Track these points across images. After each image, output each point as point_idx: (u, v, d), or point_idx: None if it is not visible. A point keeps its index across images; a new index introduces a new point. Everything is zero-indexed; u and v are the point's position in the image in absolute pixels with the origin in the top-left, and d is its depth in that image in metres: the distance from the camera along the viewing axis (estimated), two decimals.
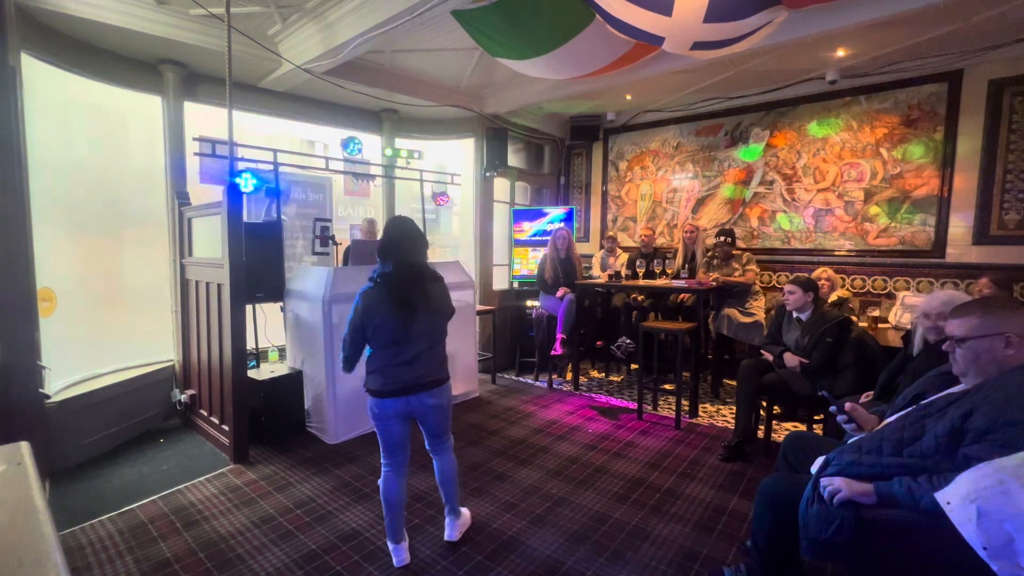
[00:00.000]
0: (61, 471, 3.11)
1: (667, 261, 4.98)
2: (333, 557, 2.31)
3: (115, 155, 3.86)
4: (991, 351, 1.48)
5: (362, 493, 2.88)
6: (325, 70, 3.87)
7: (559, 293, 4.76)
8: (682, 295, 4.69)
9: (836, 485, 1.53)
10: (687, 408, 4.08)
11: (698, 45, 2.84)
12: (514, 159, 5.62)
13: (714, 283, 4.31)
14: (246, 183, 3.53)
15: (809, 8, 2.85)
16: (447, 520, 2.41)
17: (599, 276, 5.19)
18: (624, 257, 5.33)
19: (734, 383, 3.99)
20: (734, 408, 3.75)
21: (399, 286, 2.08)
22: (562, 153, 6.45)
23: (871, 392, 2.55)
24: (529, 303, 5.55)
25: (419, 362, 2.14)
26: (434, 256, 5.97)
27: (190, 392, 3.87)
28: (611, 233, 5.80)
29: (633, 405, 4.26)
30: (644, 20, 2.59)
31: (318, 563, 2.27)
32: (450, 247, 6.48)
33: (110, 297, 3.84)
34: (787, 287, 3.27)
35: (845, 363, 3.05)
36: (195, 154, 3.69)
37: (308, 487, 2.95)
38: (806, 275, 3.52)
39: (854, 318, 3.68)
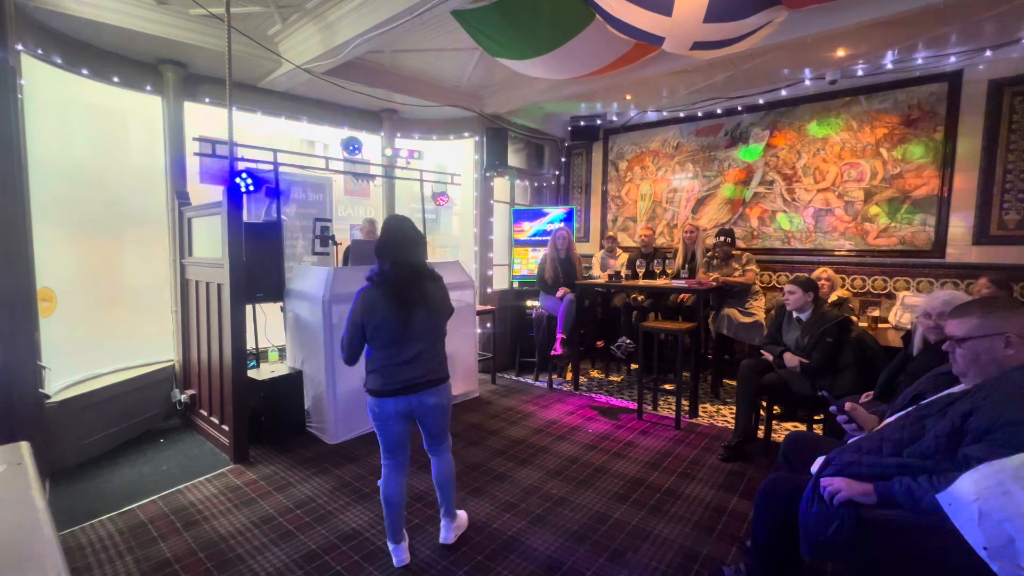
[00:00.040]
0: (61, 471, 3.11)
1: (667, 261, 4.98)
2: (333, 557, 2.31)
3: (115, 155, 3.86)
4: (991, 351, 1.48)
5: (362, 493, 2.88)
6: (325, 70, 3.87)
7: (559, 293, 4.76)
8: (682, 295, 4.69)
9: (836, 485, 1.53)
10: (687, 408, 4.08)
11: (698, 45, 2.84)
12: (514, 159, 5.61)
13: (714, 283, 4.31)
14: (245, 183, 3.53)
15: (809, 8, 2.85)
16: (443, 523, 2.41)
17: (599, 276, 5.19)
18: (624, 257, 5.33)
19: (734, 383, 3.99)
20: (734, 408, 3.75)
21: (397, 285, 2.08)
22: (562, 153, 6.45)
23: (871, 392, 2.54)
24: (529, 303, 5.55)
25: (419, 361, 2.14)
26: (434, 256, 5.98)
27: (190, 392, 3.87)
28: (611, 233, 5.80)
29: (633, 405, 4.26)
30: (644, 20, 2.59)
31: (318, 563, 2.27)
32: (450, 247, 6.48)
33: (110, 297, 3.84)
34: (787, 287, 3.27)
35: (845, 363, 3.05)
36: (195, 154, 3.69)
37: (308, 487, 2.95)
38: (806, 275, 3.52)
39: (854, 318, 3.68)
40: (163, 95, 3.89)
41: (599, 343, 5.25)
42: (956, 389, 1.59)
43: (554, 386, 4.93)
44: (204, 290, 3.58)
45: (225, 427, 3.40)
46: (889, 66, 4.09)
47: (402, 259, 2.11)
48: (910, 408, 1.69)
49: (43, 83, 3.27)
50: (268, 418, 3.55)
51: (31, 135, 3.00)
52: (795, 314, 3.27)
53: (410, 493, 2.74)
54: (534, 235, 5.82)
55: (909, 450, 1.50)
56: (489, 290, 5.66)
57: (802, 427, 3.54)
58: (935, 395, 1.65)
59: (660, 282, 4.48)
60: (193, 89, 4.04)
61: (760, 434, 3.45)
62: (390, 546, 2.26)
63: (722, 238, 4.57)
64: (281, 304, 3.94)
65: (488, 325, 5.33)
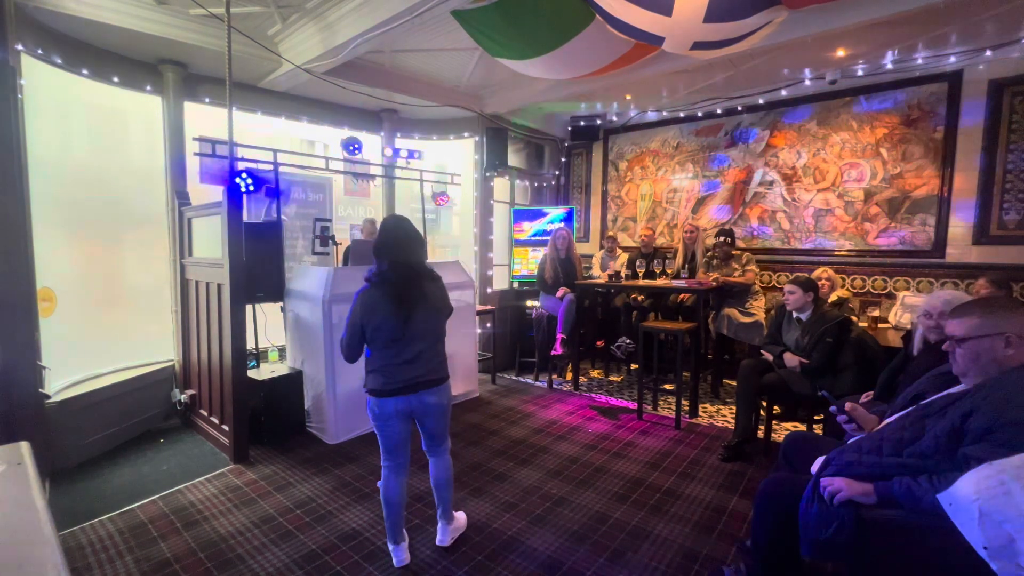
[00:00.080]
0: (61, 471, 3.11)
1: (667, 261, 4.98)
2: (333, 557, 2.31)
3: (115, 155, 3.86)
4: (991, 351, 1.48)
5: (362, 493, 2.88)
6: (325, 70, 3.87)
7: (559, 293, 4.76)
8: (682, 295, 4.69)
9: (836, 485, 1.53)
10: (687, 408, 4.08)
11: (698, 45, 2.84)
12: (514, 159, 5.61)
13: (714, 283, 4.31)
14: (245, 183, 3.53)
15: (809, 8, 2.85)
16: (440, 524, 2.40)
17: (599, 276, 5.19)
18: (624, 257, 5.33)
19: (734, 383, 3.99)
20: (734, 408, 3.75)
21: (396, 285, 2.08)
22: (562, 153, 6.45)
23: (871, 392, 2.54)
24: (529, 303, 5.56)
25: (419, 361, 2.14)
26: (434, 256, 5.98)
27: (190, 392, 3.87)
28: (611, 233, 5.80)
29: (633, 405, 4.26)
30: (644, 20, 2.59)
31: (318, 563, 2.27)
32: (450, 247, 6.48)
33: (110, 297, 3.84)
34: (787, 287, 3.27)
35: (845, 363, 3.05)
36: (195, 154, 3.69)
37: (308, 487, 2.95)
38: (806, 275, 3.52)
39: (854, 318, 3.68)
40: (163, 95, 3.89)
41: (599, 343, 5.25)
42: (956, 389, 1.59)
43: (554, 386, 4.93)
44: (204, 290, 3.58)
45: (225, 427, 3.40)
46: (889, 66, 4.09)
47: (401, 259, 2.11)
48: (910, 408, 1.69)
49: (43, 83, 3.27)
50: (268, 418, 3.55)
51: (31, 135, 3.00)
52: (795, 314, 3.27)
53: (410, 493, 2.74)
54: (534, 235, 5.82)
55: (909, 450, 1.50)
56: (489, 290, 5.66)
57: (802, 427, 3.54)
58: (935, 395, 1.66)
59: (660, 282, 4.48)
60: (193, 89, 4.04)
61: (760, 434, 3.45)
62: (390, 546, 2.26)
63: (722, 238, 4.57)
64: (281, 304, 3.94)
65: (488, 325, 5.33)
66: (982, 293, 2.96)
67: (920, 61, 3.98)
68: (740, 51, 3.13)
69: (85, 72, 3.49)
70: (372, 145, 5.18)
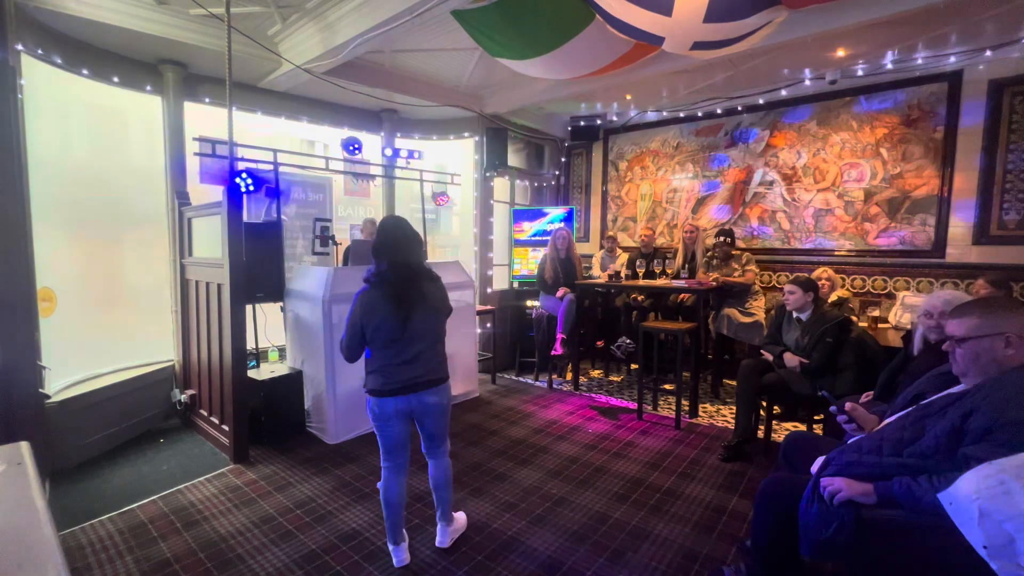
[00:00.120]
0: (61, 471, 3.11)
1: (667, 261, 4.98)
2: (333, 557, 2.31)
3: (115, 155, 3.86)
4: (991, 351, 1.48)
5: (362, 493, 2.88)
6: (325, 70, 3.87)
7: (559, 293, 4.76)
8: (682, 295, 4.69)
9: (836, 485, 1.53)
10: (687, 408, 4.08)
11: (698, 45, 2.84)
12: (514, 159, 5.61)
13: (714, 283, 4.31)
14: (245, 183, 3.53)
15: (809, 8, 2.85)
16: (439, 526, 2.40)
17: (599, 276, 5.19)
18: (624, 257, 5.33)
19: (734, 383, 3.99)
20: (734, 408, 3.75)
21: (396, 285, 2.08)
22: (562, 153, 6.45)
23: (871, 392, 2.54)
24: (529, 303, 5.56)
25: (419, 361, 2.14)
26: (434, 256, 5.99)
27: (190, 392, 3.87)
28: (611, 233, 5.80)
29: (633, 405, 4.26)
30: (644, 20, 2.59)
31: (318, 563, 2.27)
32: (450, 247, 6.48)
33: (110, 297, 3.84)
34: (787, 287, 3.27)
35: (845, 363, 3.05)
36: (195, 154, 3.69)
37: (308, 487, 2.95)
38: (806, 275, 3.52)
39: (854, 318, 3.68)
40: (163, 95, 3.89)
41: (599, 343, 5.25)
42: (956, 389, 1.59)
43: (554, 386, 4.93)
44: (204, 290, 3.58)
45: (225, 427, 3.40)
46: (889, 66, 4.09)
47: (400, 259, 2.11)
48: (910, 408, 1.69)
49: (43, 83, 3.27)
50: (268, 418, 3.55)
51: (31, 135, 3.00)
52: (795, 314, 3.27)
53: (410, 493, 2.74)
54: (534, 235, 5.82)
55: (909, 450, 1.50)
56: (489, 290, 5.66)
57: (802, 427, 3.54)
58: (935, 395, 1.66)
59: (660, 282, 4.48)
60: (193, 89, 4.04)
61: (760, 434, 3.45)
62: (390, 547, 2.26)
63: (722, 238, 4.57)
64: (281, 304, 3.94)
65: (488, 325, 5.33)
66: (981, 293, 2.96)
67: (920, 61, 3.98)
68: (740, 51, 3.13)
69: (85, 72, 3.49)
70: (372, 145, 5.18)
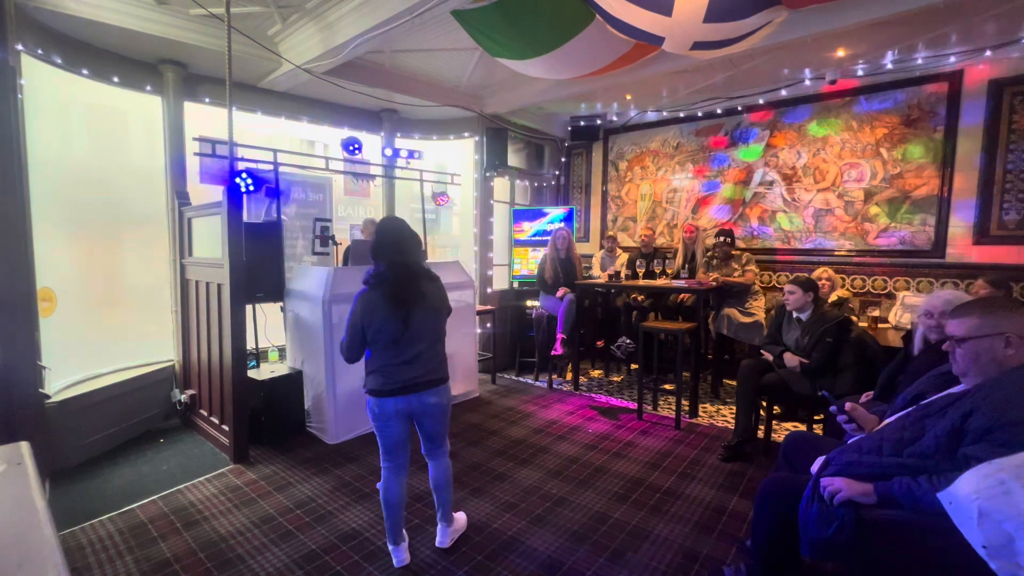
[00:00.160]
0: (61, 471, 3.11)
1: (667, 261, 4.98)
2: (333, 557, 2.31)
3: (115, 155, 3.86)
4: (991, 351, 1.48)
5: (362, 493, 2.88)
6: (325, 70, 3.87)
7: (559, 293, 4.76)
8: (682, 295, 4.69)
9: (836, 485, 1.53)
10: (687, 408, 4.08)
11: (698, 45, 2.84)
12: (514, 159, 5.61)
13: (714, 283, 4.31)
14: (245, 183, 3.53)
15: (809, 8, 2.85)
16: (439, 527, 2.40)
17: (599, 276, 5.19)
18: (624, 257, 5.33)
19: (734, 383, 3.99)
20: (734, 408, 3.75)
21: (395, 285, 2.08)
22: (562, 153, 6.45)
23: (871, 392, 2.54)
24: (529, 303, 5.56)
25: (419, 361, 2.14)
26: (434, 256, 5.98)
27: (190, 392, 3.87)
28: (611, 233, 5.80)
29: (633, 405, 4.26)
30: (644, 20, 2.59)
31: (318, 563, 2.27)
32: (450, 247, 6.48)
33: (110, 297, 3.84)
34: (787, 287, 3.27)
35: (845, 363, 3.05)
36: (195, 154, 3.69)
37: (308, 487, 2.95)
38: (806, 275, 3.52)
39: (854, 318, 3.68)
40: (163, 95, 3.89)
41: (599, 343, 5.25)
42: (956, 389, 1.59)
43: (554, 386, 4.93)
44: (204, 290, 3.58)
45: (225, 427, 3.40)
46: (889, 66, 4.09)
47: (398, 260, 2.11)
48: (910, 408, 1.69)
49: (43, 83, 3.27)
50: (268, 418, 3.55)
51: (31, 135, 3.00)
52: (795, 314, 3.27)
53: (410, 493, 2.74)
54: (534, 235, 5.82)
55: (909, 450, 1.50)
56: (489, 290, 5.66)
57: (802, 427, 3.54)
58: (935, 395, 1.66)
59: (660, 282, 4.48)
60: (193, 89, 4.04)
61: (760, 434, 3.45)
62: (390, 547, 2.26)
63: (722, 238, 4.57)
64: (281, 304, 3.94)
65: (488, 325, 5.33)
66: (981, 293, 2.96)
67: (920, 61, 3.98)
68: (740, 51, 3.13)
69: (85, 72, 3.49)
70: (372, 145, 5.18)
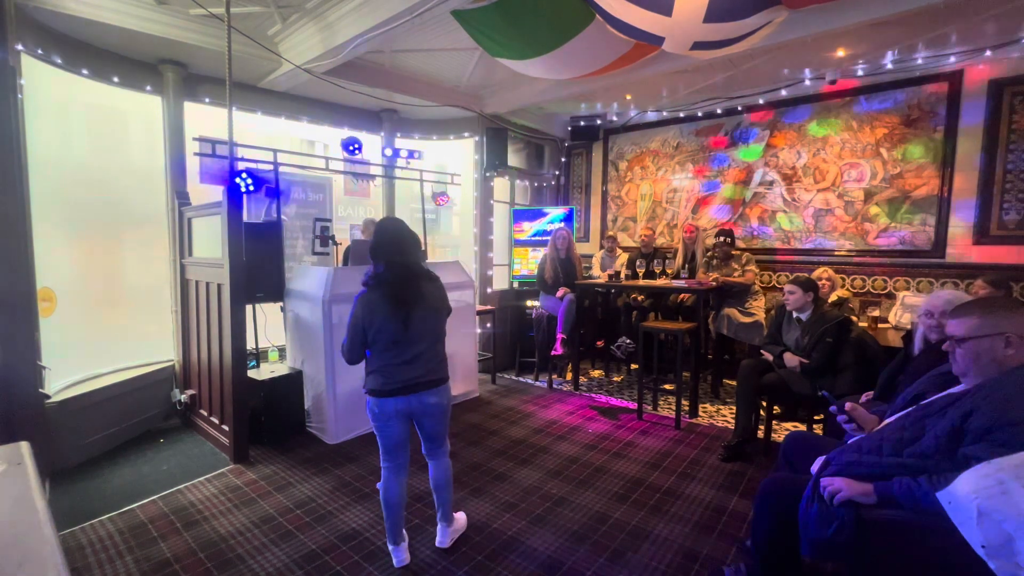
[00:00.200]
0: (61, 471, 3.11)
1: (667, 261, 4.98)
2: (333, 557, 2.31)
3: (115, 155, 3.86)
4: (991, 351, 1.48)
5: (362, 493, 2.88)
6: (325, 70, 3.87)
7: (559, 293, 4.76)
8: (682, 295, 4.69)
9: (836, 485, 1.53)
10: (687, 408, 4.08)
11: (698, 45, 2.84)
12: (514, 159, 5.61)
13: (714, 283, 4.31)
14: (245, 183, 3.53)
15: (809, 8, 2.85)
16: (439, 527, 2.40)
17: (599, 276, 5.20)
18: (624, 257, 5.33)
19: (734, 383, 3.99)
20: (734, 408, 3.75)
21: (394, 286, 2.08)
22: (562, 153, 6.45)
23: (871, 392, 2.54)
24: (529, 303, 5.56)
25: (419, 361, 2.14)
26: (434, 256, 5.98)
27: (190, 392, 3.87)
28: (611, 233, 5.80)
29: (633, 405, 4.26)
30: (644, 20, 2.59)
31: (318, 563, 2.27)
32: (450, 247, 6.48)
33: (110, 297, 3.84)
34: (787, 287, 3.27)
35: (845, 363, 3.05)
36: (195, 154, 3.69)
37: (308, 487, 2.95)
38: (806, 275, 3.52)
39: (854, 318, 3.68)
40: (163, 95, 3.89)
41: (599, 343, 5.25)
42: (956, 389, 1.59)
43: (554, 386, 4.93)
44: (204, 290, 3.58)
45: (225, 427, 3.40)
46: (889, 66, 4.09)
47: (398, 260, 2.12)
48: (910, 408, 1.69)
49: (43, 83, 3.27)
50: (268, 418, 3.55)
51: (31, 135, 3.00)
52: (795, 314, 3.27)
53: (410, 493, 2.74)
54: (534, 235, 5.82)
55: (909, 450, 1.50)
56: (489, 290, 5.66)
57: (802, 427, 3.54)
58: (935, 395, 1.66)
59: (660, 282, 4.48)
60: (193, 89, 4.04)
61: (760, 434, 3.45)
62: (390, 547, 2.26)
63: (722, 238, 4.57)
64: (281, 304, 3.94)
65: (488, 325, 5.33)
66: (980, 294, 2.96)
67: (920, 61, 3.98)
68: (740, 51, 3.13)
69: (85, 72, 3.49)
70: (372, 145, 5.19)
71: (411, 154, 4.94)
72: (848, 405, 1.91)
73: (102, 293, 3.78)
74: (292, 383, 3.73)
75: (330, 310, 3.47)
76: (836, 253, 4.65)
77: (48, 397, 3.07)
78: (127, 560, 2.29)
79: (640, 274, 4.75)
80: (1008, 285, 3.44)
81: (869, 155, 4.44)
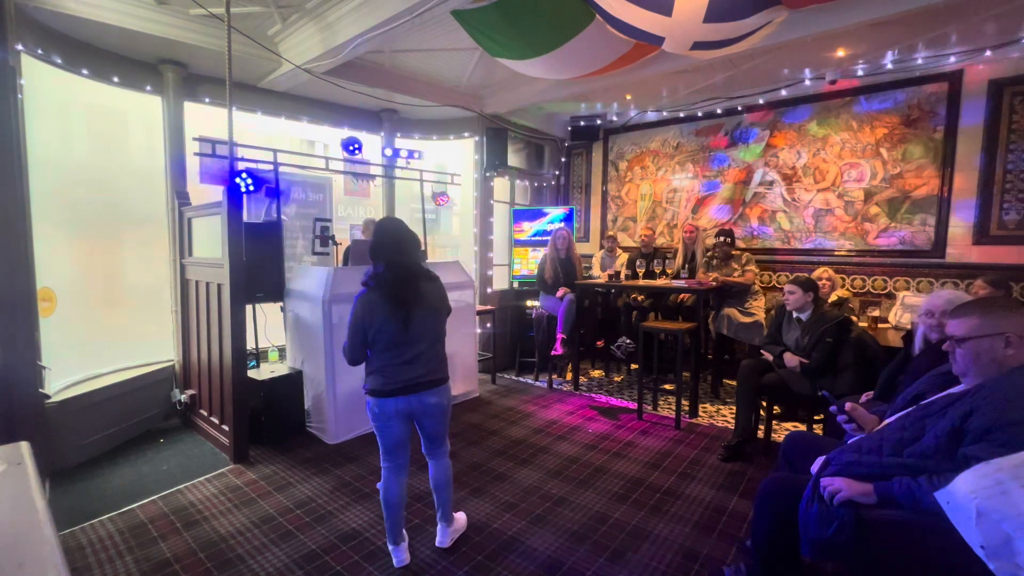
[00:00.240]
0: (61, 471, 3.11)
1: (667, 261, 4.98)
2: (333, 557, 2.31)
3: (115, 155, 3.87)
4: (991, 351, 1.48)
5: (362, 493, 2.88)
6: (325, 70, 3.87)
7: (559, 293, 4.76)
8: (682, 295, 4.69)
9: (836, 485, 1.53)
10: (687, 408, 4.08)
11: (698, 45, 2.84)
12: (514, 159, 5.61)
13: (714, 283, 4.31)
14: (245, 183, 3.53)
15: (809, 8, 2.85)
16: (439, 526, 2.40)
17: (599, 276, 5.20)
18: (624, 257, 5.33)
19: (734, 383, 3.99)
20: (734, 408, 3.75)
21: (394, 286, 2.08)
22: (562, 153, 6.45)
23: (871, 392, 2.54)
24: (529, 303, 5.56)
25: (419, 361, 2.14)
26: (434, 256, 5.98)
27: (190, 392, 3.87)
28: (611, 233, 5.80)
29: (633, 405, 4.26)
30: (644, 20, 2.59)
31: (318, 563, 2.27)
32: (450, 247, 6.48)
33: (110, 297, 3.84)
34: (787, 287, 3.27)
35: (845, 363, 3.05)
36: (195, 154, 3.69)
37: (308, 487, 2.95)
38: (806, 275, 3.52)
39: (854, 318, 3.68)
40: (163, 95, 3.89)
41: (599, 343, 5.25)
42: (956, 389, 1.59)
43: (554, 386, 4.93)
44: (204, 290, 3.58)
45: (225, 427, 3.40)
46: (889, 66, 4.09)
47: (397, 260, 2.12)
48: (910, 408, 1.69)
49: (43, 83, 3.27)
50: (268, 418, 3.55)
51: (31, 135, 3.00)
52: (795, 314, 3.27)
53: (410, 493, 2.74)
54: (534, 235, 5.82)
55: (909, 450, 1.50)
56: (489, 290, 5.66)
57: (802, 427, 3.54)
58: (935, 395, 1.66)
59: (660, 282, 4.48)
60: (193, 89, 4.04)
61: (760, 434, 3.45)
62: (390, 547, 2.26)
63: (722, 238, 4.57)
64: (281, 304, 3.94)
65: (488, 325, 5.33)
66: (980, 294, 2.96)
67: (920, 61, 3.98)
68: (740, 51, 3.13)
69: (85, 72, 3.49)
70: (372, 145, 5.19)
71: (411, 154, 4.94)
72: (848, 405, 1.91)
73: (102, 293, 3.78)
74: (292, 383, 3.73)
75: (330, 310, 3.47)
76: (836, 253, 4.65)
77: (48, 397, 3.07)
78: (127, 560, 2.29)
79: (640, 274, 4.75)
80: (1008, 285, 3.44)
81: (869, 155, 4.44)
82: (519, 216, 5.88)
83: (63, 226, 3.47)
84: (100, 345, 3.73)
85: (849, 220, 4.58)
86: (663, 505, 2.74)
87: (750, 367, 3.34)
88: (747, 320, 4.35)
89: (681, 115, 5.47)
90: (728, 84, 4.64)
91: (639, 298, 4.96)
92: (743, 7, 2.47)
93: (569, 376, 4.99)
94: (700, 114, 5.34)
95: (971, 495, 1.25)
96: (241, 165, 3.58)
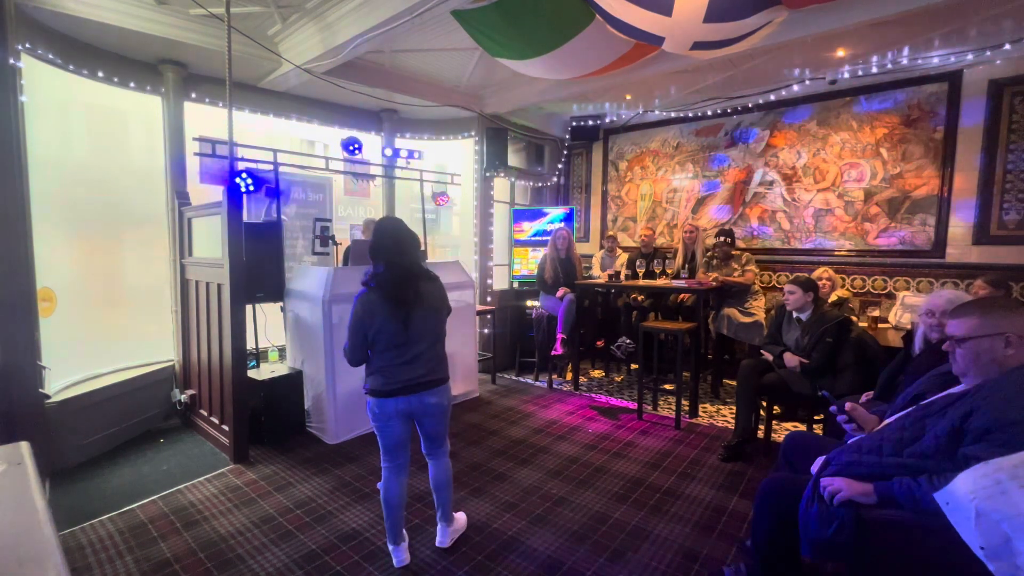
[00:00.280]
0: (61, 471, 3.11)
1: (667, 261, 4.98)
2: (333, 557, 2.31)
3: (115, 155, 3.86)
4: (991, 351, 1.48)
5: (362, 493, 2.88)
6: (325, 70, 3.87)
7: (559, 293, 4.76)
8: (682, 295, 4.69)
9: (836, 485, 1.53)
10: (687, 408, 4.08)
11: (698, 45, 2.84)
12: (514, 159, 5.61)
13: (714, 283, 4.31)
14: (245, 183, 3.53)
15: (809, 8, 2.85)
16: (439, 526, 2.40)
17: (599, 276, 5.20)
18: (624, 257, 5.33)
19: (734, 383, 3.99)
20: (734, 408, 3.75)
21: (394, 286, 2.08)
22: (562, 153, 6.45)
23: (871, 392, 2.54)
24: (529, 303, 5.56)
25: (419, 361, 2.14)
26: (434, 256, 5.98)
27: (190, 392, 3.87)
28: (611, 233, 5.80)
29: (633, 405, 4.26)
30: (644, 20, 2.59)
31: (318, 563, 2.27)
32: (450, 247, 6.48)
33: (110, 297, 3.84)
34: (787, 287, 3.27)
35: (845, 363, 3.05)
36: (195, 154, 3.69)
37: (308, 487, 2.95)
38: (806, 275, 3.52)
39: (854, 318, 3.68)
40: (163, 95, 3.89)
41: (599, 343, 5.25)
42: (956, 389, 1.59)
43: (554, 386, 4.93)
44: (204, 290, 3.58)
45: (225, 427, 3.40)
46: (889, 66, 4.09)
47: (397, 260, 2.12)
48: (910, 408, 1.69)
49: (43, 83, 3.27)
50: (268, 418, 3.55)
51: (31, 135, 3.00)
52: (795, 314, 3.27)
53: (410, 493, 2.74)
54: (534, 235, 5.82)
55: (909, 450, 1.50)
56: (489, 290, 5.66)
57: (802, 427, 3.54)
58: (935, 395, 1.66)
59: (660, 282, 4.48)
60: (193, 89, 4.04)
61: (760, 434, 3.45)
62: (390, 547, 2.26)
63: (722, 238, 4.57)
64: (281, 304, 3.94)
65: (488, 325, 5.33)
66: (980, 294, 2.96)
67: (920, 61, 3.98)
68: (740, 51, 3.13)
69: (85, 72, 3.49)
70: (372, 145, 5.19)
71: (411, 154, 4.94)
72: (848, 405, 1.91)
73: (102, 293, 3.78)
74: (292, 383, 3.73)
75: (330, 310, 3.47)
76: (836, 253, 4.65)
77: (48, 397, 3.07)
78: (127, 560, 2.29)
79: (640, 274, 4.75)
80: (1008, 285, 3.44)
81: (869, 155, 4.44)
82: (519, 216, 5.88)
83: (63, 226, 3.47)
84: (100, 345, 3.73)
85: (849, 220, 4.58)
86: (663, 505, 2.74)
87: (750, 367, 3.34)
88: (747, 320, 4.35)
89: (681, 115, 5.47)
90: (728, 84, 4.64)
91: (639, 298, 4.96)
92: (743, 7, 2.47)
93: (569, 376, 4.99)
94: (700, 114, 5.34)
95: (970, 495, 1.25)
96: (241, 165, 3.58)
